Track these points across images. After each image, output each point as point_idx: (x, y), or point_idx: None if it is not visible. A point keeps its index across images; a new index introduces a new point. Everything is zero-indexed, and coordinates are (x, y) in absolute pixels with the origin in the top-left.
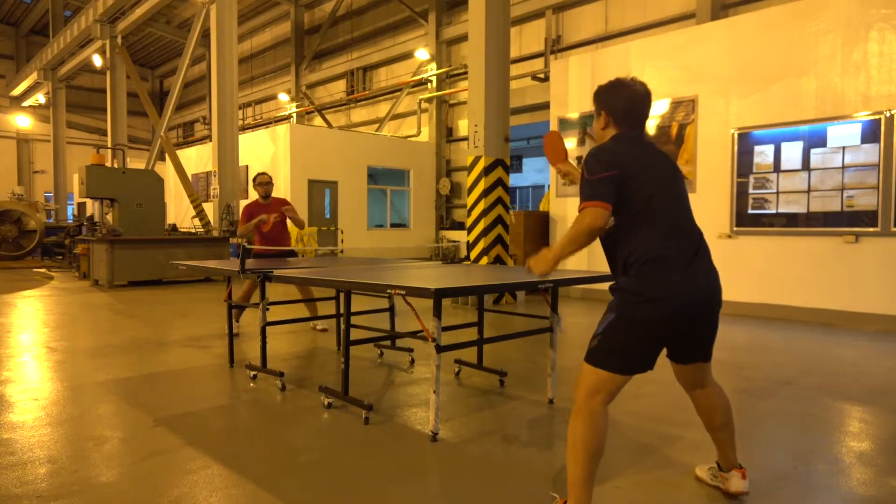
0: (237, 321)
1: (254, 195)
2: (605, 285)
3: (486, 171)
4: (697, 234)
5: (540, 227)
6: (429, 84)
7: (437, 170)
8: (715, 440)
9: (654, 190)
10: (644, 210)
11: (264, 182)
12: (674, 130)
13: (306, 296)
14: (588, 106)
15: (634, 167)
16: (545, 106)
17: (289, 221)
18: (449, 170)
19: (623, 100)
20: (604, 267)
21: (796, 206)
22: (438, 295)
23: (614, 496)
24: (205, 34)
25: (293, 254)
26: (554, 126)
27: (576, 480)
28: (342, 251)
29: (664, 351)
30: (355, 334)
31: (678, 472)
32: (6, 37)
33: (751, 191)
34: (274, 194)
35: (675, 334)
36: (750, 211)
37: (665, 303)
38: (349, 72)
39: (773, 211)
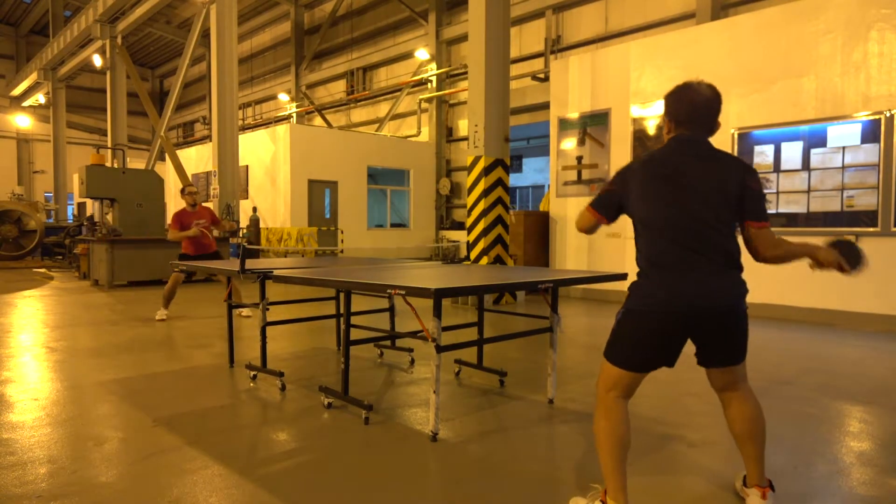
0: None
1: (253, 197)
2: (606, 285)
3: (486, 171)
4: (702, 246)
5: (540, 227)
6: (429, 84)
7: (437, 170)
8: (740, 451)
9: (662, 202)
10: (648, 219)
11: (193, 192)
12: None
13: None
14: (587, 106)
15: (640, 183)
16: (545, 106)
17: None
18: (449, 170)
19: (681, 104)
20: (604, 267)
21: (796, 206)
22: (438, 295)
23: None
24: (205, 34)
25: (219, 255)
26: (554, 126)
27: (606, 470)
28: (342, 251)
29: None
30: (355, 334)
31: (677, 473)
32: (6, 37)
33: None
34: (274, 194)
35: (671, 338)
36: None
37: (652, 309)
38: (349, 72)
39: (774, 211)
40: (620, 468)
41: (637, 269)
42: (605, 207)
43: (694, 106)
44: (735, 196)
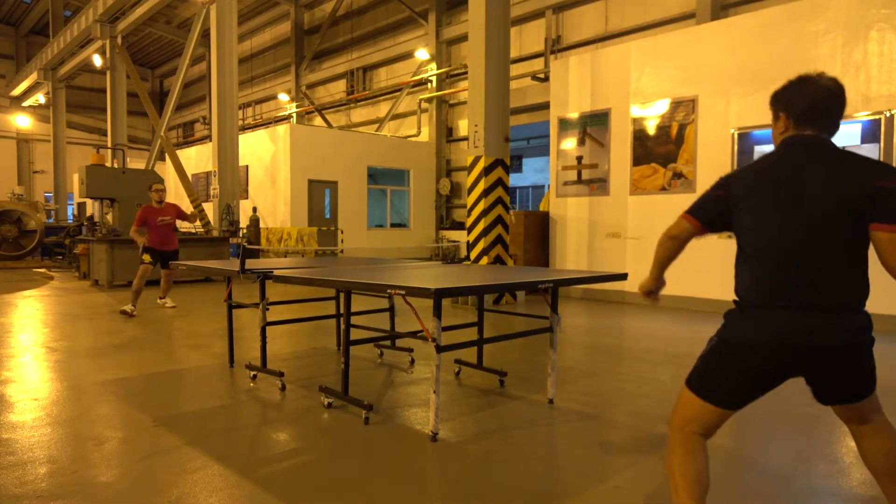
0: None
1: (253, 197)
2: (606, 285)
3: (486, 171)
4: (813, 275)
5: (540, 227)
6: (429, 84)
7: (437, 170)
8: (885, 494)
9: (768, 217)
10: (749, 239)
11: (159, 189)
12: (674, 130)
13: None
14: (587, 106)
15: (748, 192)
16: (545, 106)
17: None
18: (449, 170)
19: (801, 99)
20: (604, 267)
21: None
22: (438, 295)
23: (615, 496)
24: (205, 34)
25: (176, 255)
26: (554, 126)
27: None
28: (342, 251)
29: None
30: (355, 334)
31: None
32: (6, 37)
33: None
34: (274, 194)
35: (771, 378)
36: None
37: (754, 344)
38: (349, 72)
39: None
40: None
41: (735, 296)
42: (704, 213)
43: (816, 100)
44: (865, 206)
